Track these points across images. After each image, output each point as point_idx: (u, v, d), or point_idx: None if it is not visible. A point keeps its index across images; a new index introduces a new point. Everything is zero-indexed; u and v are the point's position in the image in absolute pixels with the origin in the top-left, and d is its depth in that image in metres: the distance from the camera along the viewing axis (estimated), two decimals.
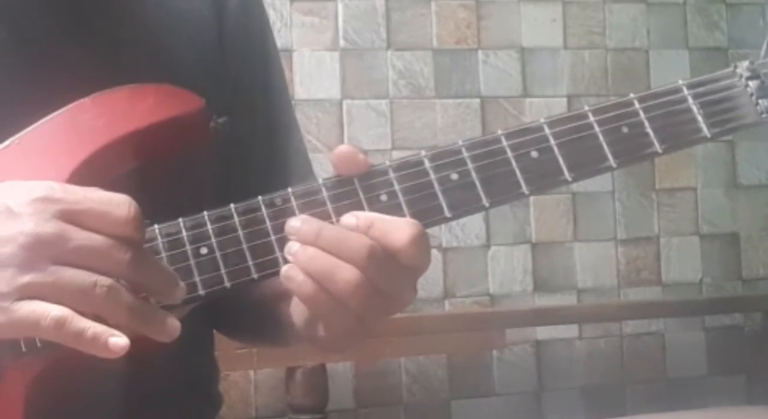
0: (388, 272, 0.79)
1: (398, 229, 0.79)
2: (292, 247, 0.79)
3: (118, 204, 0.75)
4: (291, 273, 0.79)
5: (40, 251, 0.73)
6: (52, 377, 0.81)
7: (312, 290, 0.79)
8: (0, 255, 0.73)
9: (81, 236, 0.74)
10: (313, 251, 0.79)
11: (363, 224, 0.80)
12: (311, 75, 2.34)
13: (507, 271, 2.43)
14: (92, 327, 0.72)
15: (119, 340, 0.72)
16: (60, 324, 0.72)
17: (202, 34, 1.02)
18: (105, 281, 0.73)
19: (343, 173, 0.83)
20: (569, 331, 2.46)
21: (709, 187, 2.59)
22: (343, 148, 0.83)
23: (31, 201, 0.74)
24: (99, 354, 0.72)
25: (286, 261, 0.80)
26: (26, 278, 0.72)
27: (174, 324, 0.76)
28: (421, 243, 0.79)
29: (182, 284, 0.78)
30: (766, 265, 2.62)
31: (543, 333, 2.44)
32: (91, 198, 0.75)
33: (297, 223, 0.80)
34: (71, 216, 0.74)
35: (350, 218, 0.80)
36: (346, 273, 0.78)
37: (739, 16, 2.62)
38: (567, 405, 2.43)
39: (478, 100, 2.44)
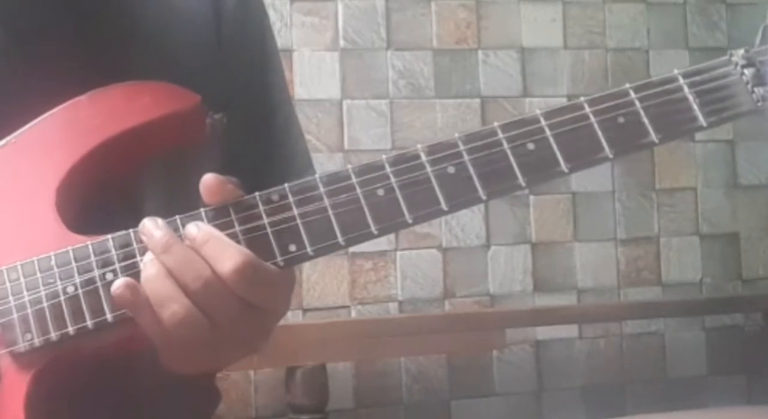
0: (227, 308, 0.78)
1: (227, 255, 0.78)
2: (146, 257, 0.79)
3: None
4: (117, 291, 0.78)
5: None
6: (50, 374, 0.81)
7: (140, 310, 0.78)
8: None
9: None
10: (154, 271, 0.78)
11: (200, 238, 0.78)
12: (311, 75, 2.34)
13: (507, 271, 2.43)
14: None
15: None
16: None
17: (199, 30, 1.02)
18: None
19: (210, 202, 0.81)
20: (569, 331, 2.46)
21: (709, 187, 2.59)
22: (208, 177, 0.81)
23: None
24: None
25: (283, 256, 0.80)
26: None
27: None
28: (248, 274, 0.78)
29: None
30: (766, 265, 2.62)
31: (543, 333, 2.43)
32: None
33: (152, 227, 0.80)
34: None
35: (193, 228, 0.79)
36: (175, 305, 0.77)
37: (739, 16, 2.62)
38: (567, 405, 2.42)
39: (478, 101, 2.44)
